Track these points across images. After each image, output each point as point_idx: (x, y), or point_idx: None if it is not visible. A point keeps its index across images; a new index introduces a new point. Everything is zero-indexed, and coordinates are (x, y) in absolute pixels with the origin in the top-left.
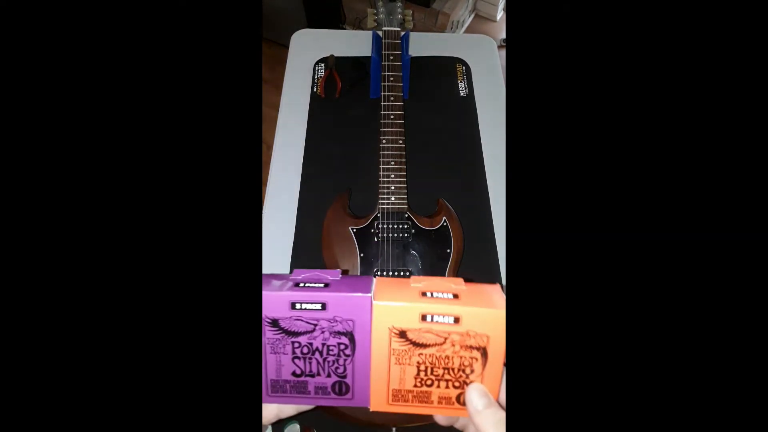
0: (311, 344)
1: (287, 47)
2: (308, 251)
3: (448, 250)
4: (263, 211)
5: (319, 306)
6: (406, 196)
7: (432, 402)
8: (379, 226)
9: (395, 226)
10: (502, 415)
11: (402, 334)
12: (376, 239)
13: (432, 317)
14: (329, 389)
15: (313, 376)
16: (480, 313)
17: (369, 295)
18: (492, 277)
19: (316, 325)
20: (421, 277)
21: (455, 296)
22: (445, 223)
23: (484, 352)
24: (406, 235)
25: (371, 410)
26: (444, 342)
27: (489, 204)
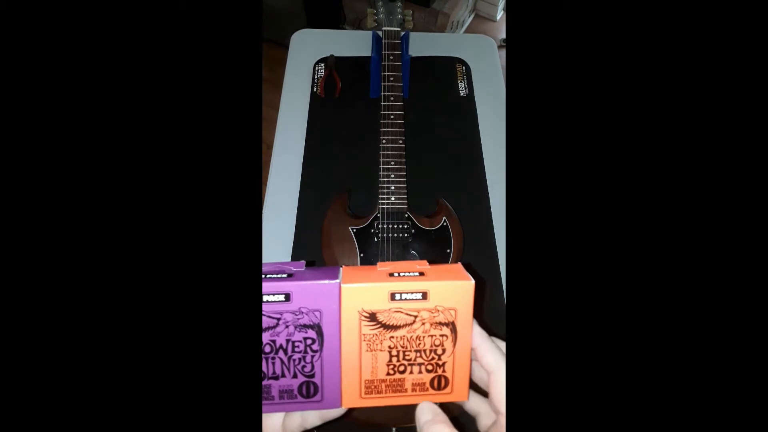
0: (274, 342)
1: (287, 47)
2: (308, 251)
3: (448, 250)
4: (263, 211)
5: (282, 297)
6: (406, 196)
7: (406, 390)
8: (379, 226)
9: (395, 226)
10: (442, 427)
11: (372, 317)
12: (376, 239)
13: (401, 295)
14: (295, 392)
15: (277, 378)
16: (446, 285)
17: (336, 281)
18: (492, 277)
19: (279, 319)
20: (388, 262)
21: (421, 274)
22: (445, 223)
23: (453, 328)
24: (406, 235)
25: (343, 407)
26: (414, 321)
27: (489, 204)
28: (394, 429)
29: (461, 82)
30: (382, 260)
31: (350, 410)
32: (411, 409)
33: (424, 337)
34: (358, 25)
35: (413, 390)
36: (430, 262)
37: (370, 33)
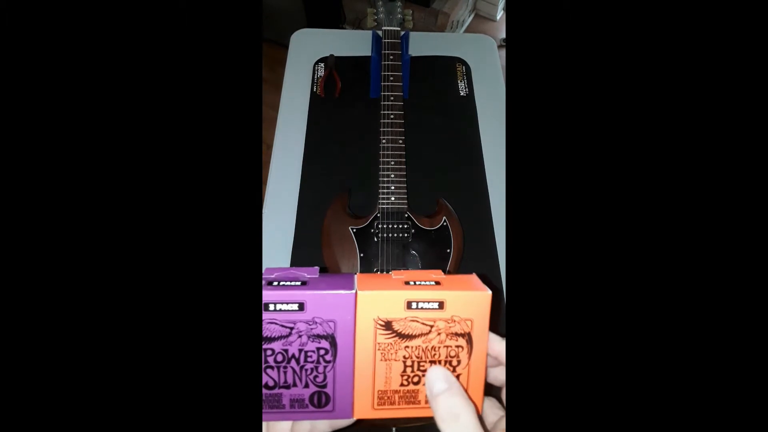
0: (286, 351)
1: (287, 47)
2: (308, 251)
3: (448, 250)
4: (263, 211)
5: (296, 306)
6: (406, 196)
7: (419, 402)
8: (379, 226)
9: (395, 226)
10: (456, 401)
11: (387, 325)
12: (376, 239)
13: (417, 304)
14: (307, 401)
15: (288, 387)
16: (463, 296)
17: (353, 292)
18: (492, 277)
19: (292, 328)
20: (402, 271)
21: (437, 284)
22: (445, 223)
23: (468, 339)
24: (406, 235)
25: (355, 418)
26: (430, 331)
27: (489, 204)
28: (394, 429)
29: (461, 82)
30: (383, 260)
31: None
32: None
33: (439, 347)
34: (358, 24)
35: (427, 402)
36: (431, 262)
37: (370, 33)
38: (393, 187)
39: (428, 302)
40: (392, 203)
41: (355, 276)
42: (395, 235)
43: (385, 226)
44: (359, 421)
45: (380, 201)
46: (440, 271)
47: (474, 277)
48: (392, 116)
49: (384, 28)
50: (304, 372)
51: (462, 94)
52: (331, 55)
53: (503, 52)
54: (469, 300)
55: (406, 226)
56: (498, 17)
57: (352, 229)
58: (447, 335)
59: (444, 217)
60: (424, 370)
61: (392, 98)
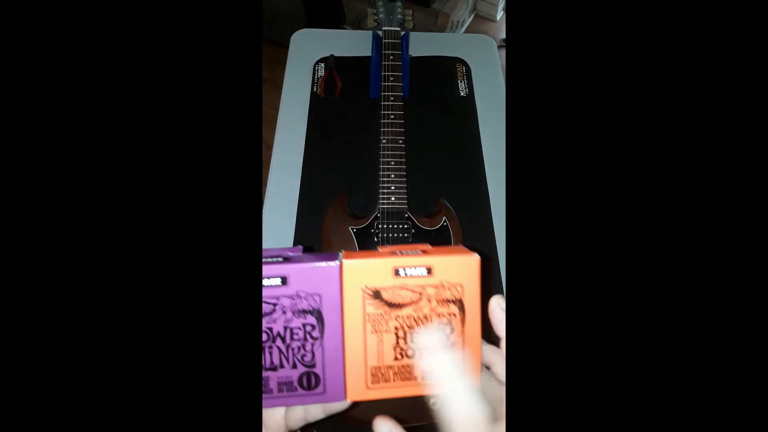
0: (271, 329)
1: (287, 47)
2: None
3: None
4: (263, 211)
5: (278, 281)
6: (406, 196)
7: (415, 377)
8: (379, 226)
9: (395, 226)
10: None
11: (376, 294)
12: (376, 239)
13: (405, 270)
14: (295, 383)
15: (275, 369)
16: (450, 260)
17: (336, 263)
18: (492, 277)
19: (275, 304)
20: (388, 246)
21: (424, 252)
22: (445, 223)
23: (461, 306)
24: (406, 235)
25: (349, 400)
26: (420, 298)
27: (489, 204)
28: None
29: (461, 82)
30: None
31: (355, 403)
32: (410, 407)
33: (431, 315)
34: (358, 25)
35: (422, 379)
36: None
37: (370, 33)
38: (393, 187)
39: (416, 268)
40: (392, 203)
41: (341, 252)
42: (395, 235)
43: (385, 226)
44: (355, 406)
45: (380, 201)
46: (427, 245)
47: (461, 247)
48: (392, 116)
49: (384, 28)
50: (291, 351)
51: (462, 94)
52: (331, 55)
53: (503, 52)
54: (456, 264)
55: (406, 226)
56: (498, 17)
57: (352, 229)
58: (438, 302)
59: (444, 217)
60: None
61: (392, 98)
